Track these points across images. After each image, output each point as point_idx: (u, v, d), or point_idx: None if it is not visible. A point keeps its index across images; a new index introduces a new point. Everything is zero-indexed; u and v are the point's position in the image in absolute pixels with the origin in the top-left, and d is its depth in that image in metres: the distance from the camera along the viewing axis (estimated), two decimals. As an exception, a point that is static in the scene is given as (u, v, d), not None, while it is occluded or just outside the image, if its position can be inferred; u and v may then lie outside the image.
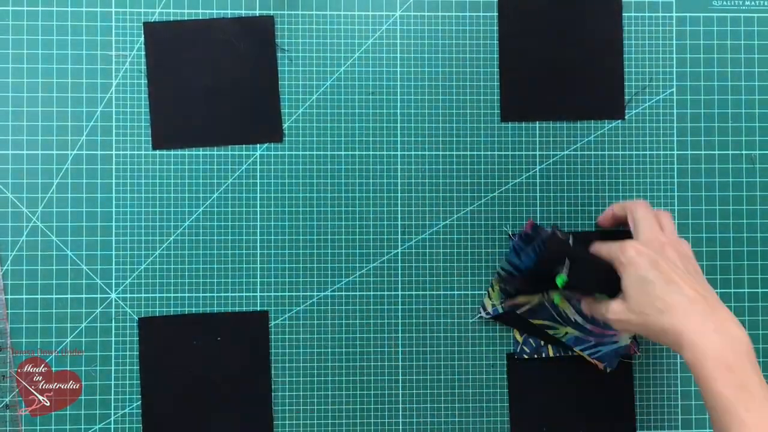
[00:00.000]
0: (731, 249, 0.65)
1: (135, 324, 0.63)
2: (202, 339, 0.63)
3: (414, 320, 0.64)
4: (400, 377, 0.64)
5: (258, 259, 0.63)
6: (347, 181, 0.64)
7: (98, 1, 0.63)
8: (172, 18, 0.63)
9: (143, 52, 0.63)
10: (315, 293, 0.64)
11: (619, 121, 0.64)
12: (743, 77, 0.65)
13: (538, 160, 0.64)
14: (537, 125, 0.64)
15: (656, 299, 0.49)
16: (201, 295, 0.63)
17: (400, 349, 0.64)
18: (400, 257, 0.64)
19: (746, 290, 0.64)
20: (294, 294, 0.64)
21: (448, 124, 0.64)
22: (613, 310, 0.52)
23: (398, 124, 0.64)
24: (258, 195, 0.64)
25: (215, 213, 0.64)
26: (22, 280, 0.62)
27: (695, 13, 0.65)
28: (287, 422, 0.63)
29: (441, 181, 0.64)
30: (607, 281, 0.53)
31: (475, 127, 0.64)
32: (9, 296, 0.62)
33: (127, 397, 0.62)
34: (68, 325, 0.62)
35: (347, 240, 0.64)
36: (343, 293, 0.64)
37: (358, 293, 0.64)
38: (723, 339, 0.47)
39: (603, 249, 0.54)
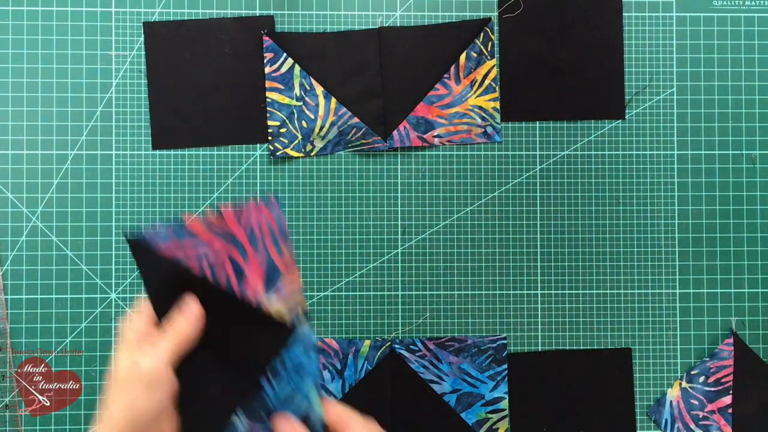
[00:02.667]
0: (731, 249, 0.65)
1: (135, 324, 0.63)
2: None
3: (414, 320, 0.64)
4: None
5: (258, 259, 0.63)
6: (347, 181, 0.64)
7: (98, 1, 0.63)
8: (172, 18, 0.63)
9: (143, 52, 0.63)
10: (315, 293, 0.64)
11: (619, 121, 0.64)
12: (743, 77, 0.65)
13: (538, 160, 0.64)
14: (537, 125, 0.64)
15: None
16: (201, 295, 0.63)
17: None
18: (400, 257, 0.64)
19: (746, 290, 0.65)
20: (294, 294, 0.64)
21: (448, 124, 0.64)
22: None
23: (398, 124, 0.64)
24: (258, 195, 0.64)
25: (215, 213, 0.64)
26: (22, 280, 0.62)
27: (695, 13, 0.65)
28: (287, 422, 0.63)
29: (441, 181, 0.64)
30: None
31: (475, 127, 0.65)
32: (9, 296, 0.62)
33: (127, 397, 0.62)
34: (68, 325, 0.62)
35: (347, 240, 0.64)
36: (343, 293, 0.64)
37: (358, 293, 0.64)
38: None
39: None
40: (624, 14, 0.64)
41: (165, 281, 0.47)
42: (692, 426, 0.62)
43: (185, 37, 0.63)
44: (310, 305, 0.64)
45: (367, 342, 0.63)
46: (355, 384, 0.62)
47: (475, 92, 0.64)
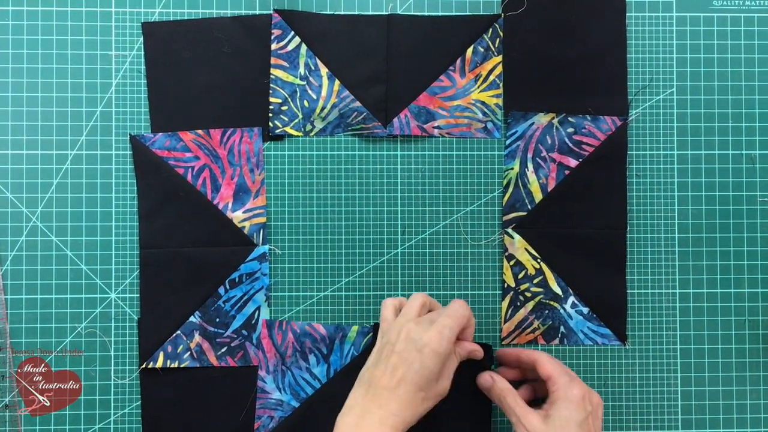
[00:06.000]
0: (731, 249, 0.65)
1: (135, 324, 0.63)
2: (202, 339, 0.63)
3: (414, 320, 0.64)
4: (400, 377, 0.64)
5: (258, 259, 0.63)
6: (347, 181, 0.64)
7: (98, 1, 0.63)
8: (171, 18, 0.63)
9: (143, 52, 0.63)
10: (315, 293, 0.64)
11: (622, 119, 0.64)
12: (743, 77, 0.65)
13: (538, 160, 0.64)
14: (537, 125, 0.64)
15: None
16: (201, 295, 0.63)
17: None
18: (400, 257, 0.64)
19: (746, 290, 0.65)
20: (294, 294, 0.64)
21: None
22: (533, 424, 0.52)
23: (398, 124, 0.64)
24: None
25: (215, 213, 0.63)
26: (21, 280, 0.62)
27: (695, 13, 0.65)
28: (287, 422, 0.63)
29: (441, 181, 0.64)
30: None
31: (475, 127, 0.65)
32: (9, 296, 0.62)
33: (127, 397, 0.62)
34: (68, 325, 0.62)
35: (347, 240, 0.64)
36: (343, 293, 0.64)
37: (358, 293, 0.64)
38: None
39: (548, 365, 0.55)
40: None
41: (155, 179, 0.62)
42: None
43: (184, 36, 0.63)
44: (309, 305, 0.64)
45: (355, 328, 0.63)
46: (341, 369, 0.62)
47: (479, 87, 0.64)
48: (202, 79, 0.63)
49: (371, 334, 0.62)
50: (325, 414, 0.59)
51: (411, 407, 0.51)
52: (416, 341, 0.52)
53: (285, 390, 0.62)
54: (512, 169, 0.63)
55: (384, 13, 0.64)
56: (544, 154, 0.63)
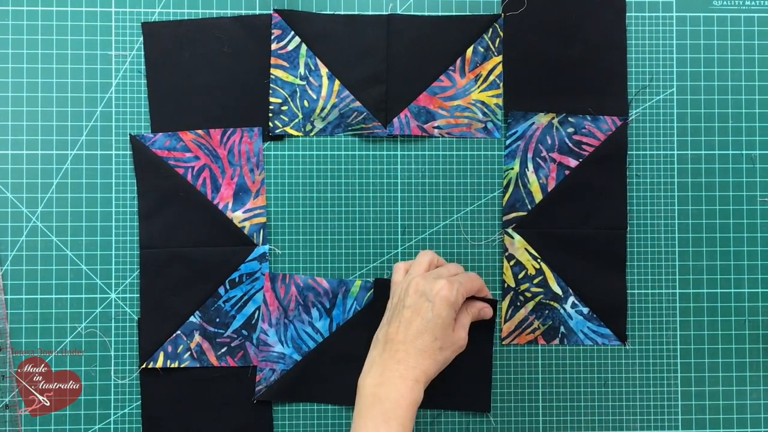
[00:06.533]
0: (731, 249, 0.65)
1: (135, 324, 0.63)
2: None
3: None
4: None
5: (258, 259, 0.63)
6: (347, 181, 0.64)
7: (98, 1, 0.63)
8: (171, 18, 0.63)
9: (143, 52, 0.63)
10: (315, 293, 0.64)
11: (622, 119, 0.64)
12: (743, 77, 0.65)
13: (538, 160, 0.64)
14: (537, 125, 0.64)
15: None
16: (201, 295, 0.63)
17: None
18: (400, 257, 0.64)
19: (746, 290, 0.65)
20: (294, 294, 0.64)
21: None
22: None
23: (398, 124, 0.64)
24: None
25: (215, 213, 0.63)
26: (22, 280, 0.62)
27: (695, 13, 0.65)
28: (287, 422, 0.63)
29: (441, 181, 0.64)
30: None
31: (475, 127, 0.64)
32: (9, 296, 0.62)
33: (127, 397, 0.62)
34: (68, 325, 0.62)
35: (347, 240, 0.64)
36: (343, 293, 0.64)
37: (358, 293, 0.64)
38: None
39: None
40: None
41: (155, 179, 0.62)
42: None
43: (184, 36, 0.63)
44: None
45: (358, 282, 0.63)
46: (343, 323, 0.62)
47: (479, 87, 0.64)
48: (202, 79, 0.63)
49: (373, 289, 0.63)
50: (327, 368, 0.61)
51: (429, 358, 0.52)
52: (426, 292, 0.54)
53: (287, 343, 0.62)
54: (512, 169, 0.63)
55: (384, 13, 0.64)
56: (544, 154, 0.63)
